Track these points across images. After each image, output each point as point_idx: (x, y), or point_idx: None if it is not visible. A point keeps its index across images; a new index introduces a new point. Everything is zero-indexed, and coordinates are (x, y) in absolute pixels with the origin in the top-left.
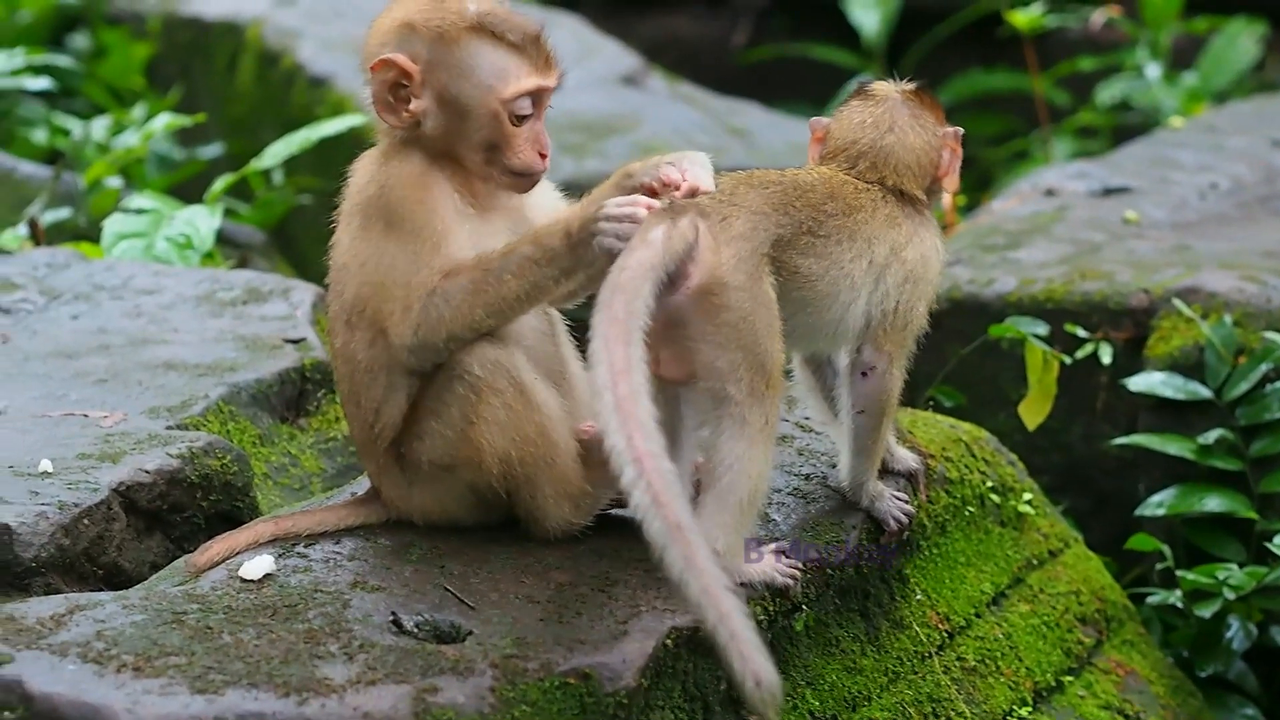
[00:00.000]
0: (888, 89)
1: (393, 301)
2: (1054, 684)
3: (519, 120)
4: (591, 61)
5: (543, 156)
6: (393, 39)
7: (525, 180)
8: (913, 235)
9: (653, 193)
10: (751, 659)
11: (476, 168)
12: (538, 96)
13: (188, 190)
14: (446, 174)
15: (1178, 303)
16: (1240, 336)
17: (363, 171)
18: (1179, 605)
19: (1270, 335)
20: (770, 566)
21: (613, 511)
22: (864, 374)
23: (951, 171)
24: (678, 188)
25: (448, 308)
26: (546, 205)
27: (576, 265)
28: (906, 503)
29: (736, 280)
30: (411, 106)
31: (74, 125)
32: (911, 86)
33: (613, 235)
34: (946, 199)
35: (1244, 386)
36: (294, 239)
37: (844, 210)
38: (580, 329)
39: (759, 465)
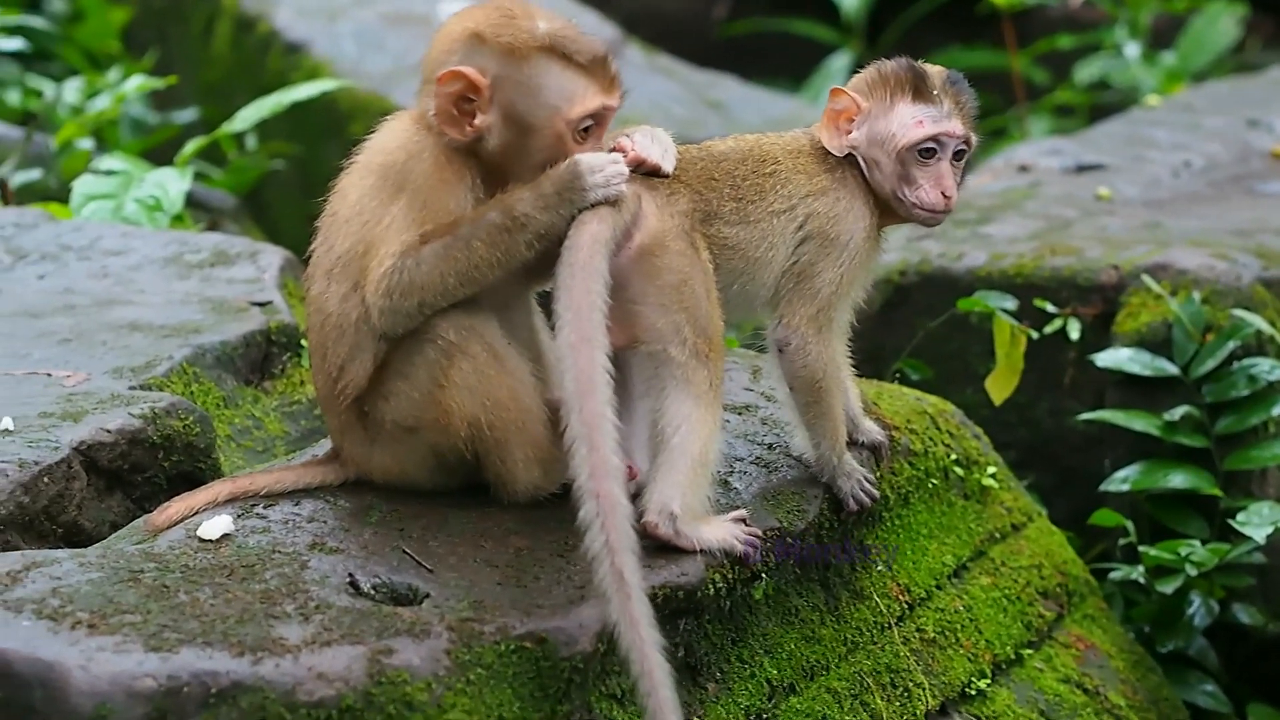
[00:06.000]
0: None
1: (376, 261)
2: (1013, 657)
3: (581, 139)
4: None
5: None
6: (460, 50)
7: None
8: (828, 189)
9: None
10: None
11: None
12: (600, 116)
13: (162, 155)
14: (475, 166)
15: (1147, 279)
16: (1208, 314)
17: (394, 134)
18: (1141, 581)
19: (1238, 313)
20: (729, 533)
21: None
22: (780, 349)
23: None
24: (627, 155)
25: (419, 271)
26: None
27: (550, 228)
28: (875, 486)
29: (677, 245)
30: (476, 121)
31: (47, 87)
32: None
33: (603, 185)
34: None
35: (1210, 364)
36: (268, 205)
37: (755, 169)
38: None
39: (707, 425)
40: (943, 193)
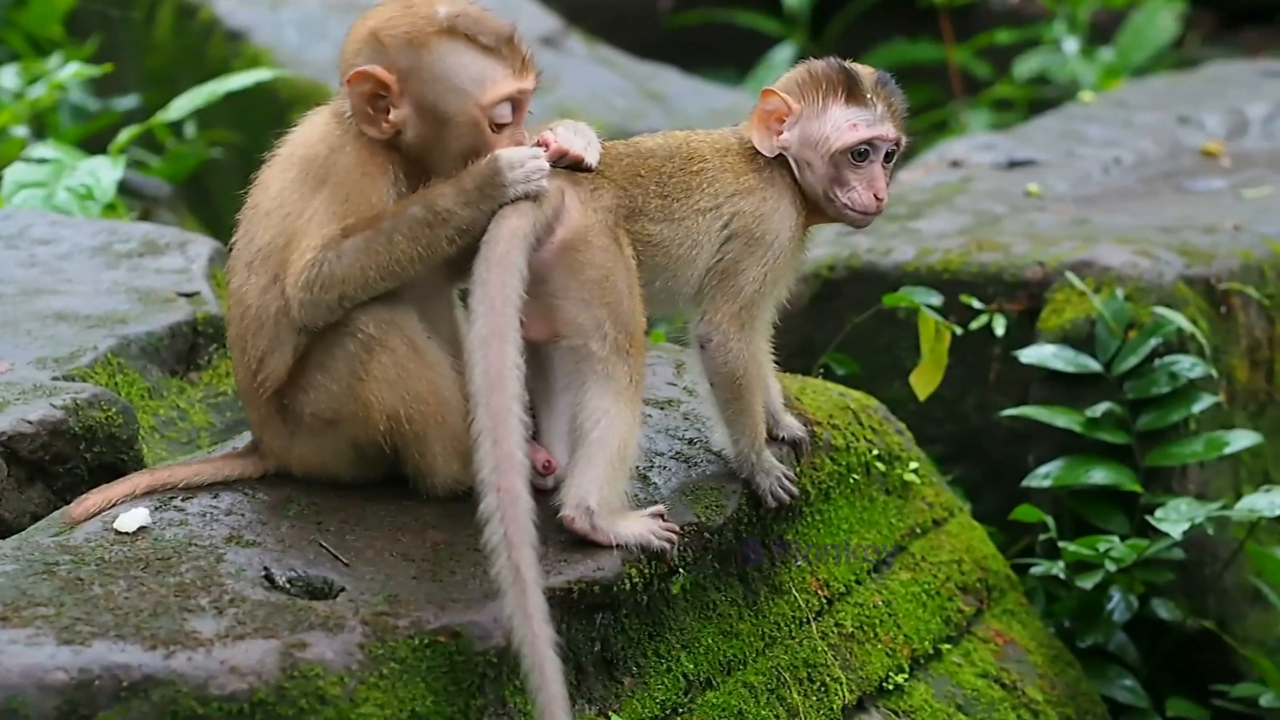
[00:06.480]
0: None
1: (297, 254)
2: (932, 651)
3: (499, 127)
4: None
5: None
6: (366, 49)
7: None
8: (754, 189)
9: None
10: None
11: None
12: (517, 100)
13: (104, 142)
14: (399, 161)
15: (1070, 276)
16: (1131, 311)
17: (315, 127)
18: (1062, 576)
19: (1160, 310)
20: (647, 529)
21: None
22: (702, 346)
23: None
24: (549, 148)
25: (340, 264)
26: None
27: (471, 223)
28: (794, 483)
29: (600, 241)
30: (391, 117)
31: None
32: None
33: (523, 180)
34: None
35: (1132, 360)
36: (209, 193)
37: (682, 167)
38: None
39: (627, 421)
40: (875, 194)
